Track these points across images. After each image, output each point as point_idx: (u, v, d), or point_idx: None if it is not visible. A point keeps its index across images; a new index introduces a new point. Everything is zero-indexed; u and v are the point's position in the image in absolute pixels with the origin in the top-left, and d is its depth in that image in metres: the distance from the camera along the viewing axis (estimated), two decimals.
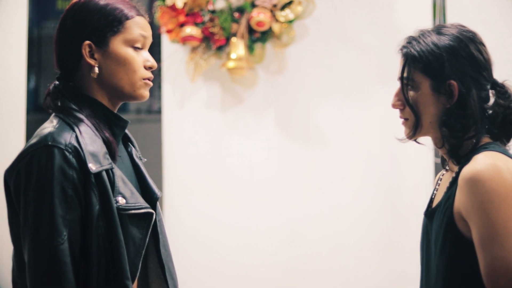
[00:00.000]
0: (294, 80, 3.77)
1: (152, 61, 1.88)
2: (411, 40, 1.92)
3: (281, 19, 3.62)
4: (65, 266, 1.65)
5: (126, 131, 1.94)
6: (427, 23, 3.58)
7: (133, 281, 1.75)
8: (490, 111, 1.88)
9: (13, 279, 1.80)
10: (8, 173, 1.75)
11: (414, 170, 3.60)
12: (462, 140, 1.86)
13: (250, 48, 3.67)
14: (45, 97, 1.85)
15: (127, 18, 1.84)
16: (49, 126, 1.75)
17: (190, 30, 3.66)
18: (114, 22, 1.83)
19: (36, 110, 4.42)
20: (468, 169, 1.76)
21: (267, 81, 3.79)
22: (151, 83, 1.88)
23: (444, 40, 1.88)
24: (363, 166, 3.72)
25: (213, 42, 3.68)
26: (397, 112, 1.95)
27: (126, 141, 1.96)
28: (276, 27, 3.63)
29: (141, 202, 1.79)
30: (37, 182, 1.67)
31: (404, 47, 1.93)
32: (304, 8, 3.64)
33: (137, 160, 1.94)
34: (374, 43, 3.68)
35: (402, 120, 1.96)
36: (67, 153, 1.69)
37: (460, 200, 1.78)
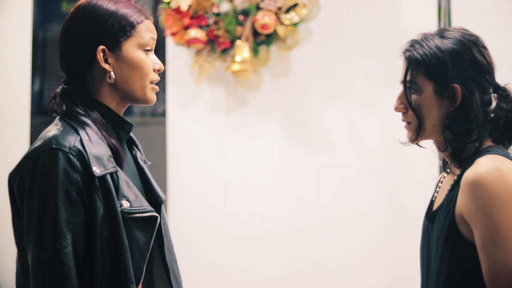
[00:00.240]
0: (299, 83, 3.77)
1: (159, 64, 1.89)
2: (414, 43, 1.93)
3: (286, 22, 3.62)
4: (69, 269, 1.65)
5: (131, 134, 1.94)
6: (432, 26, 3.57)
7: (137, 285, 1.74)
8: (492, 115, 1.88)
9: (17, 282, 1.80)
10: (13, 176, 1.74)
11: (419, 172, 3.59)
12: (465, 144, 1.86)
13: (254, 51, 3.67)
14: (50, 100, 1.85)
15: (138, 23, 1.85)
16: (54, 129, 1.75)
17: (195, 33, 3.65)
18: (127, 26, 1.83)
19: (41, 113, 4.41)
20: (471, 172, 1.76)
21: (272, 84, 3.78)
22: (157, 87, 1.89)
23: (447, 44, 1.88)
24: (368, 168, 3.71)
25: (218, 44, 3.67)
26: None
27: (131, 144, 1.96)
28: (281, 30, 3.62)
29: (146, 205, 1.79)
30: (41, 185, 1.67)
31: (407, 50, 1.93)
32: (309, 11, 3.64)
33: (141, 163, 1.94)
34: (379, 45, 3.68)
35: (404, 123, 1.96)
36: (71, 156, 1.68)
37: (462, 203, 1.78)
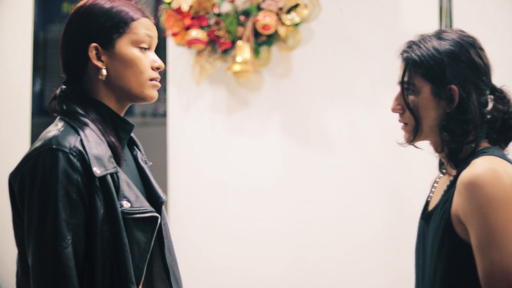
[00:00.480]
0: (300, 83, 3.76)
1: (159, 62, 1.88)
2: (411, 44, 1.94)
3: (287, 22, 3.62)
4: (69, 270, 1.65)
5: (132, 134, 1.94)
6: (434, 27, 3.56)
7: (137, 285, 1.74)
8: (489, 116, 1.89)
9: (17, 283, 1.80)
10: (13, 177, 1.74)
11: (419, 173, 3.58)
12: (462, 145, 1.87)
13: (256, 51, 3.66)
14: (50, 100, 1.85)
15: (133, 20, 1.84)
16: (54, 129, 1.75)
17: (196, 33, 3.65)
18: (120, 23, 1.82)
19: (41, 114, 4.42)
20: (467, 173, 1.77)
21: (273, 84, 3.78)
22: (159, 84, 1.88)
23: (445, 45, 1.89)
24: (369, 169, 3.71)
25: (219, 45, 3.67)
26: None
27: (132, 144, 1.96)
28: (282, 30, 3.62)
29: (146, 206, 1.78)
30: (41, 185, 1.66)
31: (404, 51, 1.95)
32: (310, 11, 3.64)
33: (142, 163, 1.94)
34: (380, 46, 3.67)
35: (401, 124, 1.97)
36: (71, 157, 1.68)
37: (458, 204, 1.79)
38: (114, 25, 1.82)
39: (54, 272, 1.65)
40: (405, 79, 1.92)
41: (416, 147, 2.02)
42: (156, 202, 1.88)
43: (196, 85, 3.78)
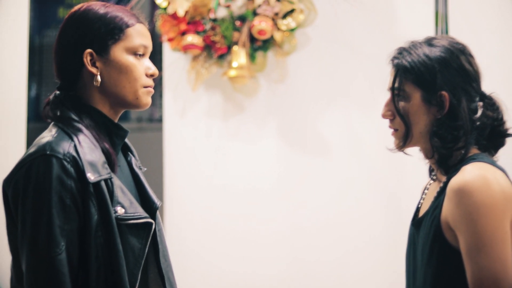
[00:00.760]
0: (296, 89, 3.76)
1: (153, 69, 1.87)
2: (402, 51, 1.95)
3: (283, 27, 3.61)
4: (63, 276, 1.65)
5: (126, 140, 1.93)
6: (429, 32, 3.57)
7: None
8: (478, 123, 1.90)
9: None
10: (6, 182, 1.74)
11: (417, 176, 3.58)
12: (452, 151, 1.88)
13: (251, 57, 3.66)
14: (44, 106, 1.84)
15: (128, 26, 1.84)
16: (48, 135, 1.74)
17: (192, 38, 3.65)
18: (115, 30, 1.82)
19: (37, 119, 4.41)
20: (457, 180, 1.78)
21: (269, 90, 3.78)
22: (152, 91, 1.88)
23: (435, 52, 1.90)
24: (365, 174, 3.70)
25: (215, 50, 3.67)
26: None
27: (126, 150, 1.96)
28: (277, 36, 3.62)
29: (140, 212, 1.78)
30: (35, 191, 1.66)
31: (395, 57, 1.96)
32: (305, 16, 3.64)
33: (136, 169, 1.93)
34: (376, 51, 3.67)
35: (392, 130, 1.98)
36: (65, 163, 1.68)
37: (448, 210, 1.80)
38: (109, 31, 1.82)
39: (48, 278, 1.64)
40: (396, 85, 1.93)
41: (406, 153, 2.03)
42: (151, 207, 1.87)
43: (192, 90, 3.78)
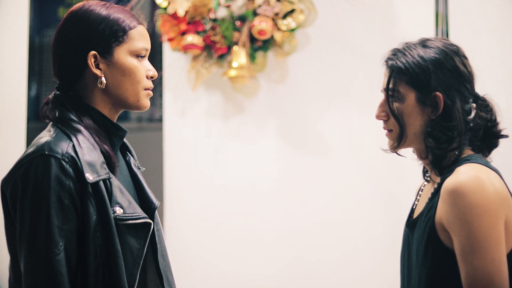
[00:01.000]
0: (296, 89, 3.76)
1: (153, 71, 1.88)
2: (396, 52, 1.97)
3: (283, 27, 3.61)
4: (62, 277, 1.64)
5: (125, 140, 1.93)
6: (430, 32, 3.57)
7: None
8: (472, 124, 1.91)
9: None
10: (5, 183, 1.74)
11: (417, 177, 3.58)
12: (446, 151, 1.90)
13: (251, 57, 3.66)
14: (42, 106, 1.84)
15: (130, 28, 1.84)
16: (46, 135, 1.74)
17: (192, 38, 3.65)
18: (118, 32, 1.82)
19: (37, 119, 4.39)
20: (451, 181, 1.79)
21: (269, 90, 3.78)
22: (151, 93, 1.88)
23: (430, 53, 1.92)
24: (365, 174, 3.70)
25: (215, 50, 3.67)
26: None
27: (124, 150, 1.96)
28: (278, 36, 3.62)
29: (139, 212, 1.78)
30: (33, 192, 1.66)
31: (389, 59, 1.98)
32: (306, 16, 3.63)
33: (135, 169, 1.93)
34: (376, 51, 3.64)
35: (385, 131, 1.99)
36: (64, 163, 1.68)
37: (442, 211, 1.81)
38: (113, 33, 1.82)
39: (46, 278, 1.64)
40: (390, 86, 1.95)
41: (399, 154, 2.04)
42: (149, 208, 1.87)
43: (192, 90, 3.78)
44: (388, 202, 3.67)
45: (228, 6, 3.69)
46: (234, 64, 3.62)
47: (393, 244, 3.62)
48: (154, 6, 3.94)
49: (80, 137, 1.74)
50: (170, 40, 3.69)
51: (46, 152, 1.68)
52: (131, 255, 1.74)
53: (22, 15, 3.99)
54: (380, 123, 3.65)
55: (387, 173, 3.67)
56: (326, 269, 3.70)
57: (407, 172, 3.61)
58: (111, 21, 1.82)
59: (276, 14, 3.61)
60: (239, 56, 3.62)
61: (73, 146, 1.71)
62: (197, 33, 3.67)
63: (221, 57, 3.70)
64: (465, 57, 1.94)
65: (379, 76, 3.72)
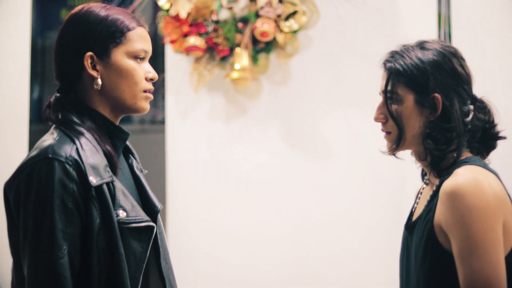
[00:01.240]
0: (298, 91, 3.76)
1: (153, 73, 1.87)
2: (394, 54, 1.98)
3: (285, 29, 3.61)
4: (65, 280, 1.64)
5: (127, 142, 1.93)
6: (432, 34, 3.56)
7: None
8: (470, 126, 1.91)
9: None
10: (8, 186, 1.73)
11: (418, 180, 3.58)
12: (445, 153, 1.90)
13: (254, 59, 3.66)
14: (44, 109, 1.84)
15: (129, 29, 1.83)
16: (50, 138, 1.74)
17: (194, 40, 3.64)
18: (116, 33, 1.81)
19: (39, 121, 4.40)
20: (449, 183, 1.79)
21: (271, 92, 3.77)
22: (151, 96, 1.87)
23: (428, 55, 1.92)
24: (367, 176, 3.70)
25: (217, 52, 3.67)
26: None
27: (127, 152, 1.95)
28: (280, 38, 3.62)
29: (142, 215, 1.77)
30: (37, 195, 1.65)
31: (387, 61, 1.99)
32: (308, 18, 3.63)
33: (137, 172, 1.93)
34: (379, 53, 3.62)
35: (384, 133, 1.99)
36: (67, 166, 1.67)
37: (440, 213, 1.81)
38: (110, 35, 1.81)
39: (50, 282, 1.64)
40: (389, 88, 1.95)
41: (397, 157, 2.04)
42: (152, 211, 1.86)
43: (194, 92, 3.78)
44: (389, 203, 3.66)
45: (230, 8, 3.69)
46: (237, 66, 3.62)
47: (393, 244, 3.62)
48: (157, 8, 3.94)
49: (83, 139, 1.74)
50: (172, 42, 3.69)
51: (50, 155, 1.68)
52: (134, 259, 1.74)
53: (24, 17, 3.99)
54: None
55: (389, 175, 3.66)
56: (327, 268, 3.70)
57: (408, 174, 3.60)
58: (109, 22, 1.82)
59: (279, 16, 3.61)
60: (242, 58, 3.62)
61: (77, 149, 1.71)
62: (200, 35, 3.66)
63: (224, 59, 3.70)
64: (463, 59, 1.95)
65: (382, 77, 3.72)
